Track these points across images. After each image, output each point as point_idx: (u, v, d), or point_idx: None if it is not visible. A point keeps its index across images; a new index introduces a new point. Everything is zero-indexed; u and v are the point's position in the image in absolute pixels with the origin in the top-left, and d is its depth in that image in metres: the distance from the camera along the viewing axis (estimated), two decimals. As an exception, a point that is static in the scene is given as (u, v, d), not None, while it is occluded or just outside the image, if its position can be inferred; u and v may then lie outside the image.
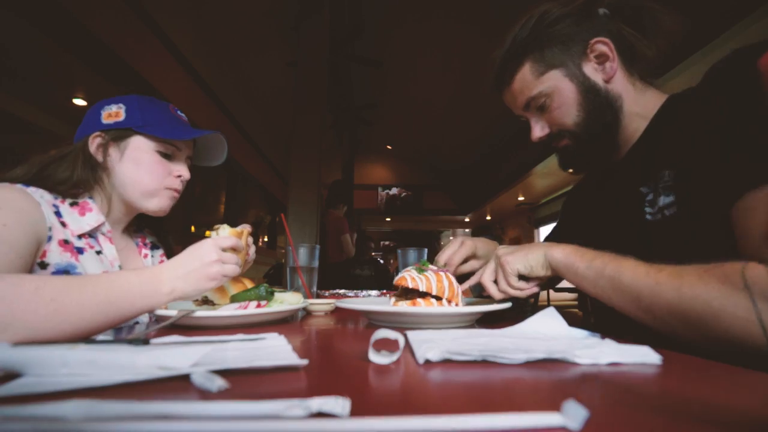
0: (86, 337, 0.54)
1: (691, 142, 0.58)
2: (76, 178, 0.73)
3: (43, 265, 0.65)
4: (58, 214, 0.70)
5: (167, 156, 0.80)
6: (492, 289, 0.72)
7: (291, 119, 3.17)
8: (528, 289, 0.70)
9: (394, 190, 10.55)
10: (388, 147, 9.89)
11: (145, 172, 0.77)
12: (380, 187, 10.55)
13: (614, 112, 0.70)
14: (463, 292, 0.74)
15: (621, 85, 0.70)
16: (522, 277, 0.70)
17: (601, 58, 0.69)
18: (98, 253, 0.74)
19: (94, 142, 0.77)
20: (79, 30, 2.99)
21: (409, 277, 0.67)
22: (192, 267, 0.62)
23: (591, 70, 0.69)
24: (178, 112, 0.85)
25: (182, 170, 0.82)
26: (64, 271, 0.67)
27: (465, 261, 0.85)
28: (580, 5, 0.70)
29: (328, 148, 4.97)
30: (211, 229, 0.73)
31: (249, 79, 5.65)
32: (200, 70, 4.87)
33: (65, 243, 0.69)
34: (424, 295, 0.66)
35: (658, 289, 0.48)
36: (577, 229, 0.85)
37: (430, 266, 0.70)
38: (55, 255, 0.67)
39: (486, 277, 0.73)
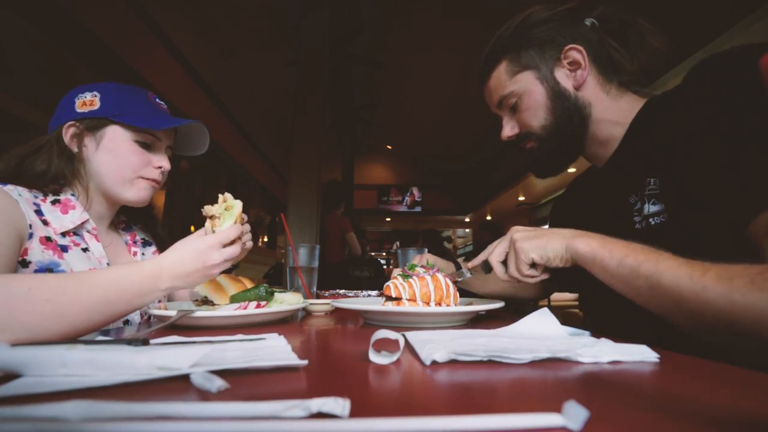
0: (84, 335, 0.54)
1: (678, 148, 0.57)
2: (54, 171, 0.71)
3: (25, 264, 0.64)
4: (39, 212, 0.69)
5: (146, 146, 0.77)
6: (500, 270, 0.68)
7: (291, 119, 3.17)
8: (537, 276, 0.65)
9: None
10: (388, 147, 9.89)
11: (121, 162, 0.74)
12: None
13: (581, 118, 0.71)
14: (473, 268, 0.73)
15: (592, 92, 0.71)
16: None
17: (574, 65, 0.70)
18: (84, 250, 0.73)
19: (68, 132, 0.74)
20: (79, 30, 2.99)
21: (392, 285, 0.68)
22: (194, 268, 0.61)
23: (562, 75, 0.71)
24: (157, 99, 0.82)
25: (162, 161, 0.79)
26: (47, 269, 0.66)
27: None
28: (566, 11, 0.72)
29: (328, 148, 4.97)
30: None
31: (249, 79, 5.65)
32: (200, 69, 4.87)
33: (47, 240, 0.68)
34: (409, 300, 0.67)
35: (705, 295, 0.42)
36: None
37: (418, 269, 0.70)
38: (37, 253, 0.66)
39: (494, 257, 0.69)
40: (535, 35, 0.72)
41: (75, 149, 0.75)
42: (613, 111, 0.71)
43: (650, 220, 0.61)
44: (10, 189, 0.67)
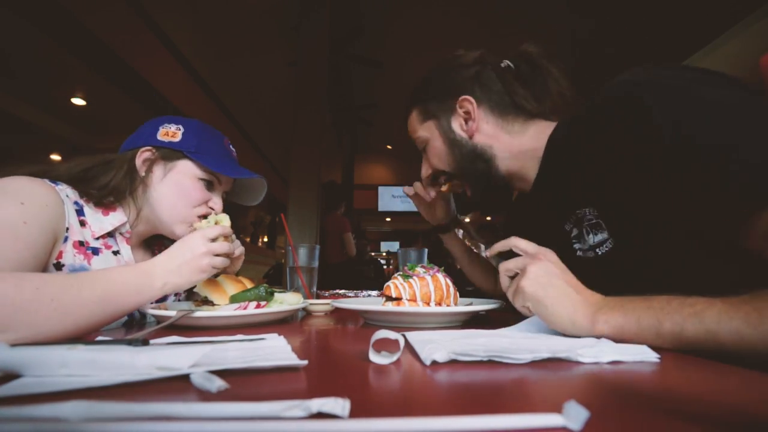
0: (84, 334, 0.54)
1: (612, 176, 0.56)
2: (113, 186, 0.73)
3: (59, 266, 0.65)
4: (80, 212, 0.69)
5: (208, 184, 0.79)
6: (504, 285, 0.58)
7: (291, 119, 3.17)
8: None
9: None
10: (388, 147, 9.89)
11: (183, 197, 0.76)
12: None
13: (485, 161, 0.74)
14: (489, 254, 0.68)
15: (490, 136, 0.74)
16: None
17: (467, 115, 0.74)
18: (115, 253, 0.74)
19: (142, 156, 0.76)
20: (80, 30, 2.99)
21: (392, 285, 0.68)
22: (183, 260, 0.63)
23: (458, 125, 0.76)
24: (230, 146, 0.85)
25: (216, 204, 0.80)
26: (77, 272, 0.67)
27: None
28: (478, 56, 0.77)
29: (328, 148, 4.97)
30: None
31: (249, 79, 5.66)
32: (200, 70, 4.88)
33: (80, 245, 0.68)
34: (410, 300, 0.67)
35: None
36: None
37: (418, 269, 0.70)
38: (69, 256, 0.67)
39: (504, 269, 0.58)
40: (439, 86, 0.78)
41: (142, 173, 0.76)
42: (519, 144, 0.73)
43: (597, 250, 0.61)
44: (61, 189, 0.67)
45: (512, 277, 0.57)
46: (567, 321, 0.47)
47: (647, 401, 0.26)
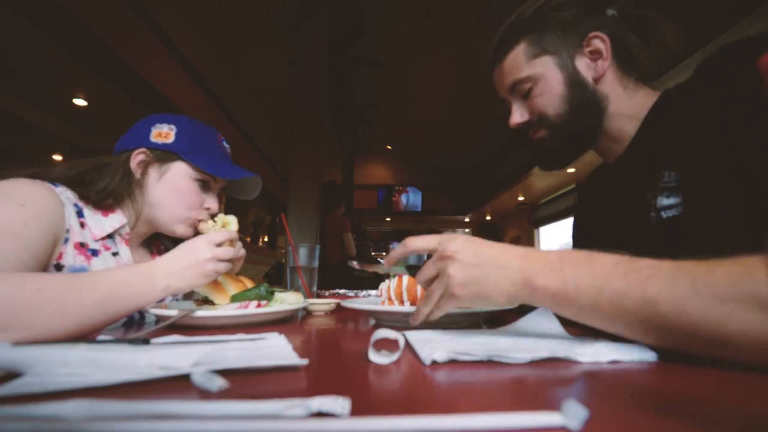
0: (85, 334, 0.54)
1: (696, 140, 0.56)
2: (111, 189, 0.73)
3: (59, 267, 0.65)
4: (79, 214, 0.69)
5: (204, 184, 0.79)
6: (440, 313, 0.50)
7: (291, 119, 3.17)
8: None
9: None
10: (388, 147, 9.89)
11: (180, 199, 0.76)
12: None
13: (598, 112, 0.68)
14: (386, 265, 0.58)
15: (610, 85, 0.68)
16: None
17: (595, 55, 0.67)
18: (114, 254, 0.74)
19: (137, 158, 0.75)
20: (80, 30, 2.99)
21: (382, 286, 0.70)
22: (187, 264, 0.63)
23: (583, 64, 0.68)
24: (224, 142, 0.85)
25: (212, 203, 0.81)
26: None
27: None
28: None
29: (328, 148, 4.97)
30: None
31: (249, 79, 5.66)
32: (200, 70, 4.87)
33: (81, 246, 0.68)
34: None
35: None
36: (591, 234, 0.81)
37: (398, 269, 0.70)
38: (70, 258, 0.67)
39: (421, 278, 0.51)
40: (558, 18, 0.67)
41: (138, 175, 0.76)
42: (628, 106, 0.68)
43: (662, 212, 0.59)
44: (61, 191, 0.68)
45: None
46: (504, 298, 0.43)
47: (647, 401, 0.26)
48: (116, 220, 0.74)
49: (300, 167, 3.11)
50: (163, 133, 0.77)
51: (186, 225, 0.78)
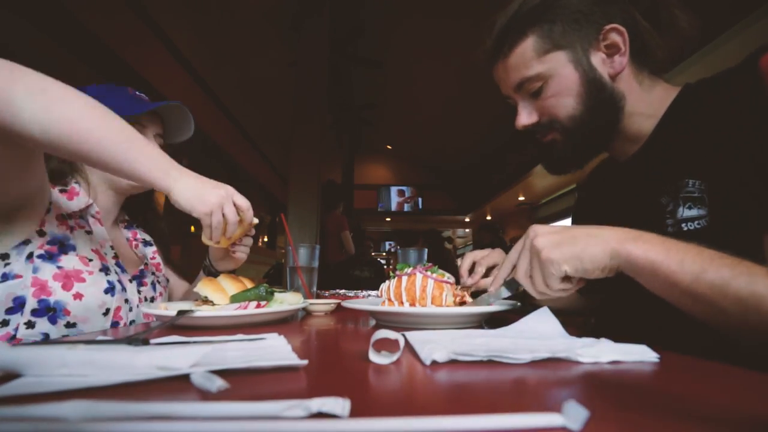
0: (91, 161, 0.57)
1: (727, 146, 0.51)
2: (51, 168, 0.74)
3: (42, 233, 0.67)
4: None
5: None
6: (532, 288, 0.54)
7: (291, 119, 3.17)
8: (572, 288, 0.52)
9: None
10: (388, 147, 9.90)
11: None
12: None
13: (615, 112, 0.62)
14: (493, 290, 0.62)
15: (627, 82, 0.62)
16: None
17: (612, 49, 0.61)
18: (88, 233, 0.75)
19: None
20: (80, 30, 2.99)
21: (383, 286, 0.70)
22: (201, 181, 0.65)
23: (599, 60, 0.61)
24: (137, 92, 0.86)
25: None
26: (60, 241, 0.69)
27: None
28: None
29: (328, 148, 4.97)
30: None
31: (249, 79, 5.65)
32: (200, 70, 4.87)
33: (63, 218, 0.71)
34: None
35: None
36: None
37: (399, 271, 0.69)
38: (53, 226, 0.68)
39: (521, 273, 0.54)
40: (571, 7, 0.61)
41: None
42: (645, 103, 0.63)
43: (683, 225, 0.55)
44: None
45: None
46: (602, 255, 0.45)
47: (647, 401, 0.26)
48: (82, 201, 0.76)
49: (300, 167, 3.11)
50: None
51: None
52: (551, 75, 0.62)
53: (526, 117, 0.66)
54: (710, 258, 0.40)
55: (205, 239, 0.73)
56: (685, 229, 0.55)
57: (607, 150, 0.71)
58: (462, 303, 0.67)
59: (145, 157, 0.60)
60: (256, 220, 0.78)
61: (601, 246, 0.46)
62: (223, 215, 0.67)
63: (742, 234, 0.50)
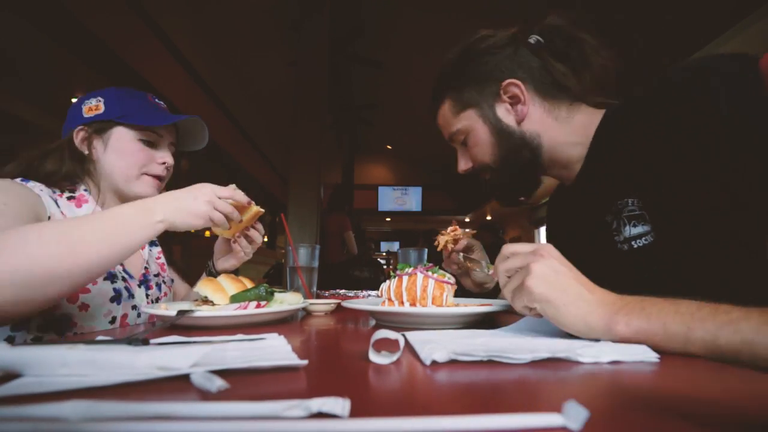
0: (99, 270, 0.56)
1: (661, 164, 0.54)
2: (65, 171, 0.76)
3: None
4: (56, 205, 0.72)
5: (150, 143, 0.82)
6: (513, 304, 0.51)
7: (291, 119, 3.17)
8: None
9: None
10: (388, 147, 9.90)
11: (128, 160, 0.80)
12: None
13: (532, 150, 0.70)
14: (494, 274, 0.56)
15: (537, 123, 0.69)
16: None
17: (514, 99, 0.69)
18: None
19: (78, 136, 0.80)
20: (80, 30, 2.99)
21: (383, 287, 0.71)
22: (184, 200, 0.64)
23: (504, 111, 0.70)
24: (156, 99, 0.87)
25: (165, 157, 0.84)
26: None
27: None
28: (507, 38, 0.70)
29: (328, 148, 4.97)
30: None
31: (249, 79, 5.65)
32: (200, 69, 4.87)
33: None
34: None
35: None
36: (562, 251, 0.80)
37: (401, 271, 0.69)
38: None
39: (507, 290, 0.51)
40: (474, 71, 0.71)
41: (86, 151, 0.80)
42: (566, 133, 0.69)
43: (633, 242, 0.58)
44: (32, 185, 0.71)
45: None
46: (580, 323, 0.42)
47: (647, 401, 0.26)
48: (89, 208, 0.76)
49: (300, 167, 3.11)
50: (93, 106, 0.80)
51: (144, 183, 0.82)
52: (469, 130, 0.73)
53: (463, 164, 0.78)
54: (689, 313, 0.38)
55: (217, 231, 0.75)
56: (636, 246, 0.58)
57: (550, 175, 0.76)
58: (455, 241, 0.79)
59: (131, 229, 0.59)
60: (261, 210, 0.79)
61: (601, 320, 0.42)
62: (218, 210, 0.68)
63: (690, 246, 0.52)
